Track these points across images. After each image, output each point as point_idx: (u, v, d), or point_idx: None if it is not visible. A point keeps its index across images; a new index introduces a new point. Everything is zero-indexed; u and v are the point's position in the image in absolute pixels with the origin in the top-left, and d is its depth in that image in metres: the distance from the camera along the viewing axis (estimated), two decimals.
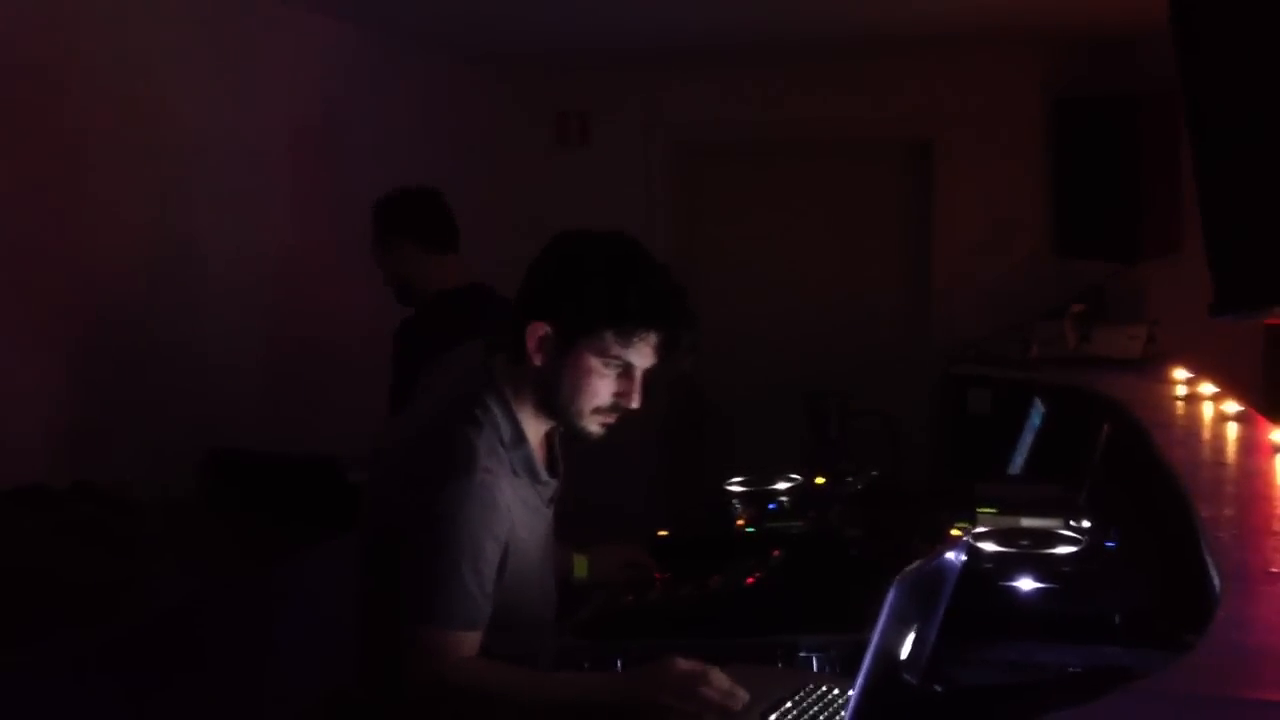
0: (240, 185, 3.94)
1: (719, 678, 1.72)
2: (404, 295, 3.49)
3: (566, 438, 2.10)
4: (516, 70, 5.54)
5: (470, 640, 1.85)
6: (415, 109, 4.93)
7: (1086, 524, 2.35)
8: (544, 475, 2.03)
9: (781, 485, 2.74)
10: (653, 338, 1.93)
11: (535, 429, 2.02)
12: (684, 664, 1.74)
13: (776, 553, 2.27)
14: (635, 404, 1.98)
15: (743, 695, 1.73)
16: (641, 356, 1.95)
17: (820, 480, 2.81)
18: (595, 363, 1.93)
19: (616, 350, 1.92)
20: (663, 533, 2.56)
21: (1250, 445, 2.74)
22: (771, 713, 1.75)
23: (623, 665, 2.00)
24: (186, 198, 3.71)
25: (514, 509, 1.93)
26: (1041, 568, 2.11)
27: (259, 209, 4.03)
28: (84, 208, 3.34)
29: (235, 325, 3.91)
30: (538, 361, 1.94)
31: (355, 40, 4.51)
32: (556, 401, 1.97)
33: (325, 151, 4.35)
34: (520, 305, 1.98)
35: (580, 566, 2.38)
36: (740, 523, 2.56)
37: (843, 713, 1.73)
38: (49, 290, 3.24)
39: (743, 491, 2.75)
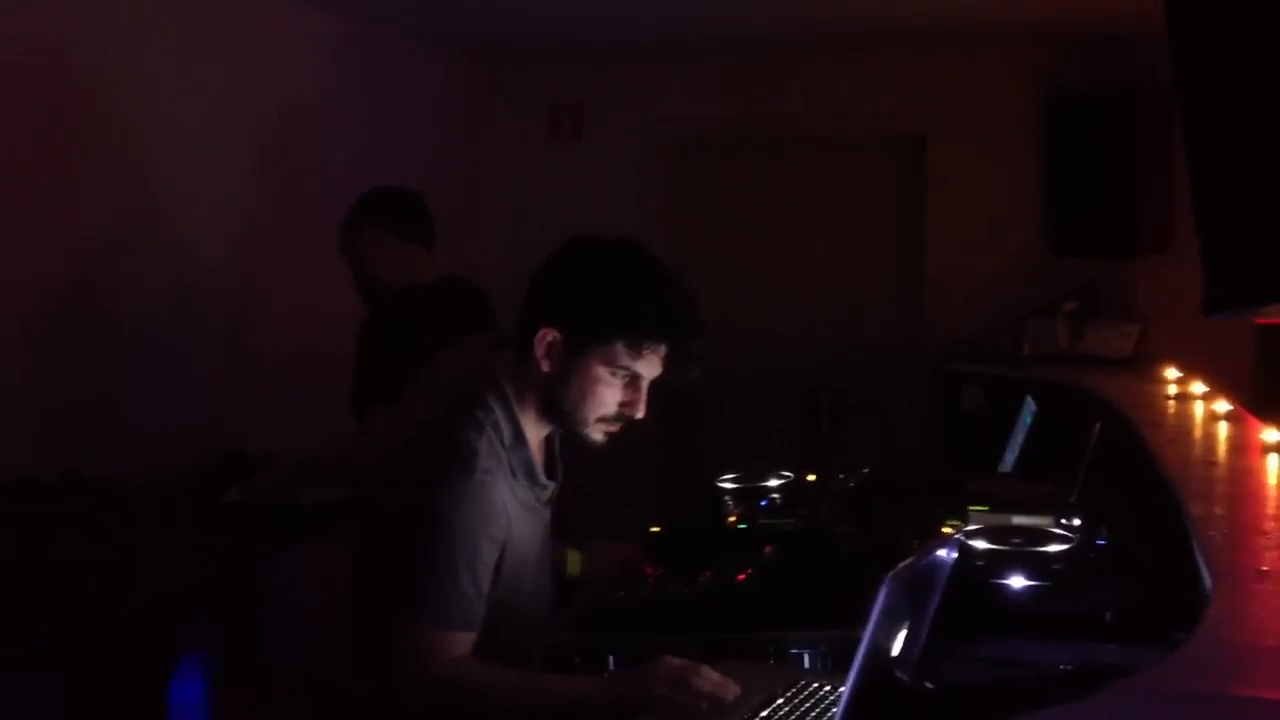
0: (229, 178, 3.91)
1: (709, 671, 1.78)
2: (368, 289, 3.30)
3: (567, 440, 2.09)
4: (510, 65, 5.52)
5: (465, 640, 1.86)
6: (407, 103, 4.91)
7: (1078, 522, 2.35)
8: (542, 479, 2.03)
9: (773, 482, 2.74)
10: (663, 349, 1.93)
11: (535, 431, 2.01)
12: (675, 660, 1.79)
13: (768, 549, 2.27)
14: (640, 414, 1.97)
15: (734, 687, 1.78)
16: (650, 367, 1.94)
17: (812, 477, 2.81)
18: (603, 372, 1.92)
19: (626, 360, 1.92)
20: (655, 528, 2.55)
21: (1241, 444, 2.74)
22: (763, 709, 1.76)
23: (614, 661, 2.01)
24: (176, 191, 3.68)
25: (511, 510, 1.93)
26: (1033, 565, 2.11)
27: (249, 202, 4.01)
28: (70, 201, 3.32)
29: (225, 319, 3.89)
30: (545, 367, 1.93)
31: (346, 33, 4.49)
32: (562, 408, 1.96)
33: (315, 145, 4.32)
34: (530, 309, 1.96)
35: (573, 562, 2.38)
36: (732, 519, 2.56)
37: (834, 710, 1.73)
38: (39, 283, 3.23)
39: (735, 488, 2.75)
